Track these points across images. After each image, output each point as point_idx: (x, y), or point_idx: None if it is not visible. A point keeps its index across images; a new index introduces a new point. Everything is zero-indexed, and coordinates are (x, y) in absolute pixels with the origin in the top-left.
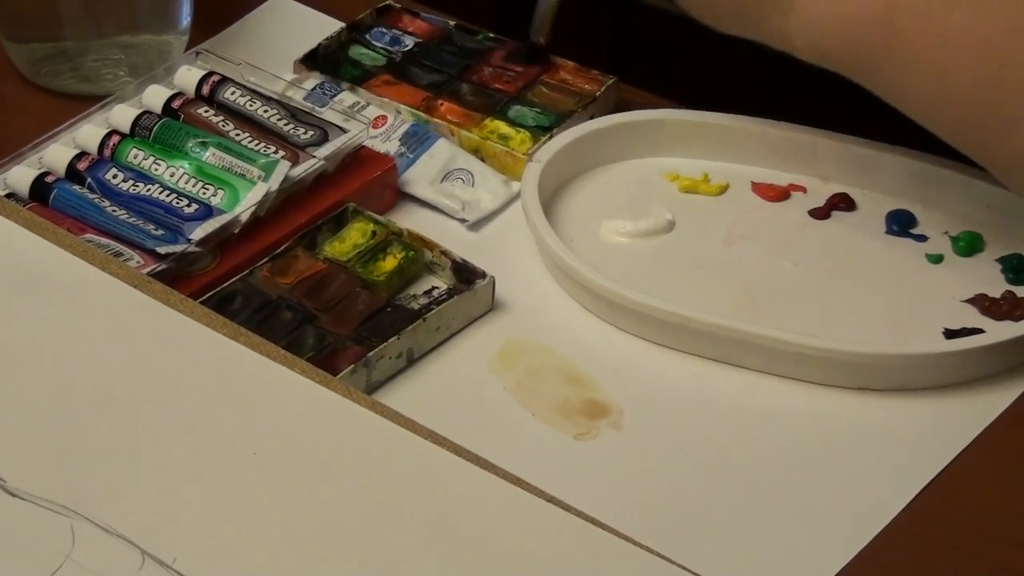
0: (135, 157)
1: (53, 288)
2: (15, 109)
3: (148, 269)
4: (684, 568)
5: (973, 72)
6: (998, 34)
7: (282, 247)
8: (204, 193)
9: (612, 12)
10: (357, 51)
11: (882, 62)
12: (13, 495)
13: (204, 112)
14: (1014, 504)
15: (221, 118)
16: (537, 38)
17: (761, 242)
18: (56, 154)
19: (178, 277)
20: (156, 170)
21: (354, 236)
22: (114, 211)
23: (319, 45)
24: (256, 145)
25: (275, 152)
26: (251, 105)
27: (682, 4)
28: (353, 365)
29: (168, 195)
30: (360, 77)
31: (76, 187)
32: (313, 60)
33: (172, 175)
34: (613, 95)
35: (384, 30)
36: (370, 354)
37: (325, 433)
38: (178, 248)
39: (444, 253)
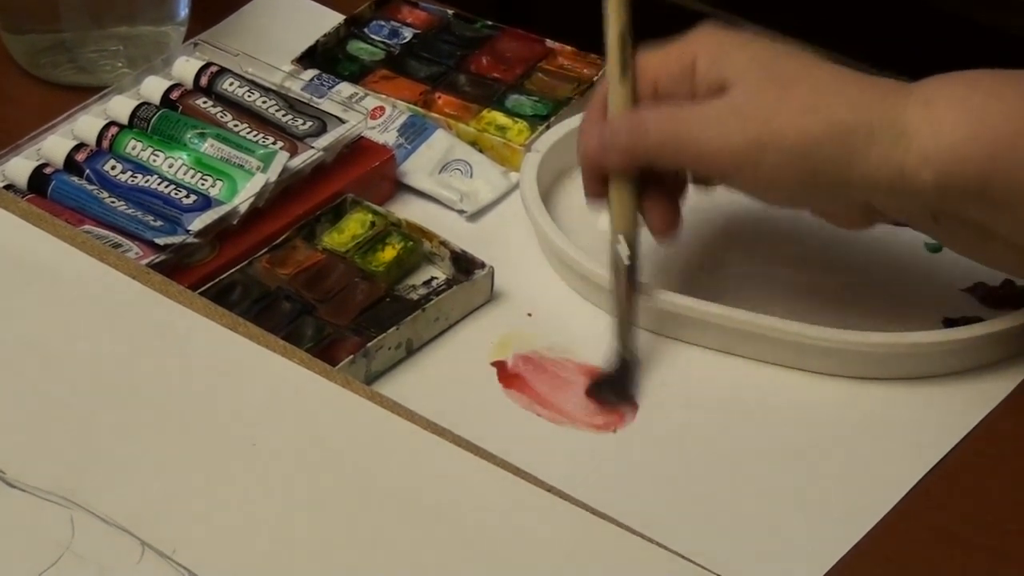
0: (133, 148)
1: (52, 279)
2: (13, 101)
3: (147, 260)
4: (682, 556)
5: None
6: None
7: (281, 238)
8: (203, 184)
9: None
10: (355, 46)
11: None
12: (12, 486)
13: (202, 103)
14: (1013, 492)
15: (219, 109)
16: (624, 352)
17: (761, 231)
18: (54, 145)
19: (177, 268)
20: (154, 161)
21: (353, 227)
22: (113, 202)
23: (317, 42)
24: (254, 136)
25: (273, 143)
26: (249, 96)
27: (748, 192)
28: (352, 356)
29: (167, 186)
30: (358, 73)
31: (74, 178)
32: (311, 57)
33: (170, 166)
34: None
35: (383, 23)
36: (369, 344)
37: (324, 424)
38: (177, 239)
39: (443, 243)
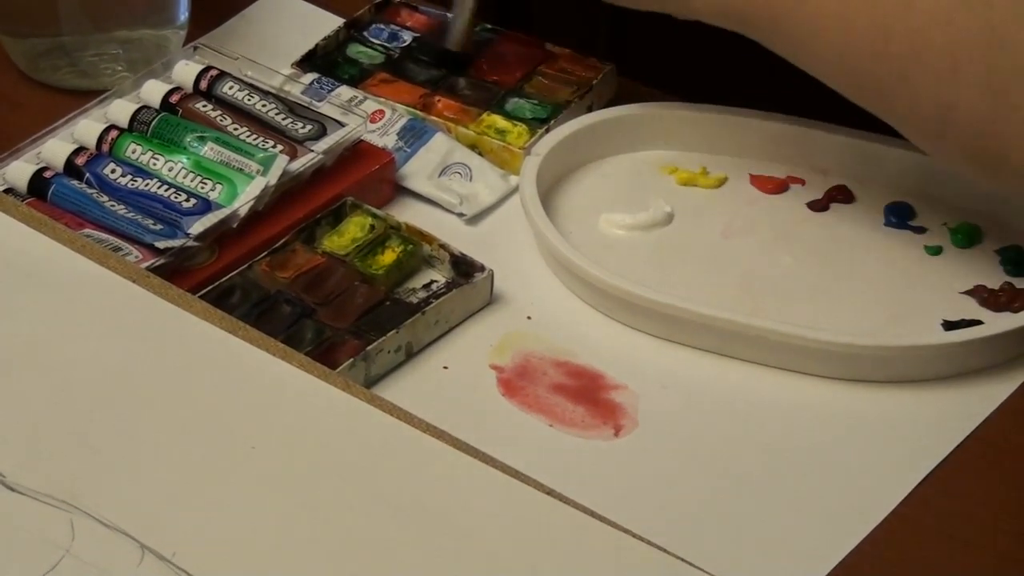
0: (133, 152)
1: (51, 283)
2: (13, 104)
3: (147, 264)
4: (681, 559)
5: (866, 28)
6: None
7: (281, 241)
8: (202, 188)
9: (610, 4)
10: (355, 50)
11: (781, 19)
12: (12, 490)
13: (202, 107)
14: (1013, 495)
15: (219, 113)
16: (454, 47)
17: (759, 235)
18: (54, 149)
19: (177, 272)
20: (154, 165)
21: (353, 230)
22: (112, 206)
23: (316, 45)
24: (254, 139)
25: (273, 146)
26: (249, 99)
27: None
28: (352, 359)
29: (166, 190)
30: (358, 76)
31: (74, 182)
32: (310, 61)
33: (170, 170)
34: (611, 83)
35: (382, 26)
36: (369, 348)
37: (324, 427)
38: (177, 243)
39: (443, 247)
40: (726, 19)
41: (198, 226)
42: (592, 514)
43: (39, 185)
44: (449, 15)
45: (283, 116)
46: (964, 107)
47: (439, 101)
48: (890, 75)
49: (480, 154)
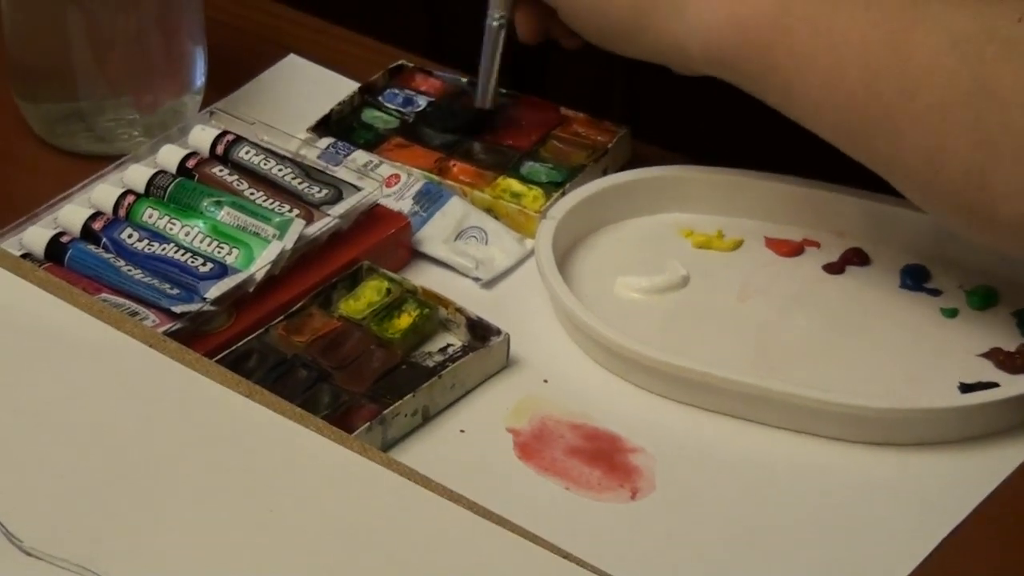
0: (150, 217)
1: (69, 348)
2: (30, 170)
3: (163, 328)
4: None
5: (857, 76)
6: (879, 38)
7: (297, 305)
8: (219, 252)
9: (625, 66)
10: (370, 114)
11: (773, 66)
12: (30, 555)
13: (218, 171)
14: None
15: (235, 177)
16: (483, 104)
17: (775, 297)
18: (71, 214)
19: (193, 336)
20: (171, 229)
21: (369, 294)
22: (129, 271)
23: (331, 111)
24: (270, 204)
25: (289, 211)
26: (265, 164)
27: (570, 24)
28: (369, 423)
29: (183, 254)
30: (373, 141)
31: (91, 247)
32: (326, 125)
33: (187, 234)
34: (626, 147)
35: (396, 91)
36: (385, 412)
37: (341, 491)
38: (193, 307)
39: (459, 310)
40: (720, 68)
41: (215, 290)
42: None
43: (56, 250)
44: (463, 79)
45: (299, 180)
46: (952, 157)
47: (454, 165)
48: (880, 123)
49: (496, 218)
